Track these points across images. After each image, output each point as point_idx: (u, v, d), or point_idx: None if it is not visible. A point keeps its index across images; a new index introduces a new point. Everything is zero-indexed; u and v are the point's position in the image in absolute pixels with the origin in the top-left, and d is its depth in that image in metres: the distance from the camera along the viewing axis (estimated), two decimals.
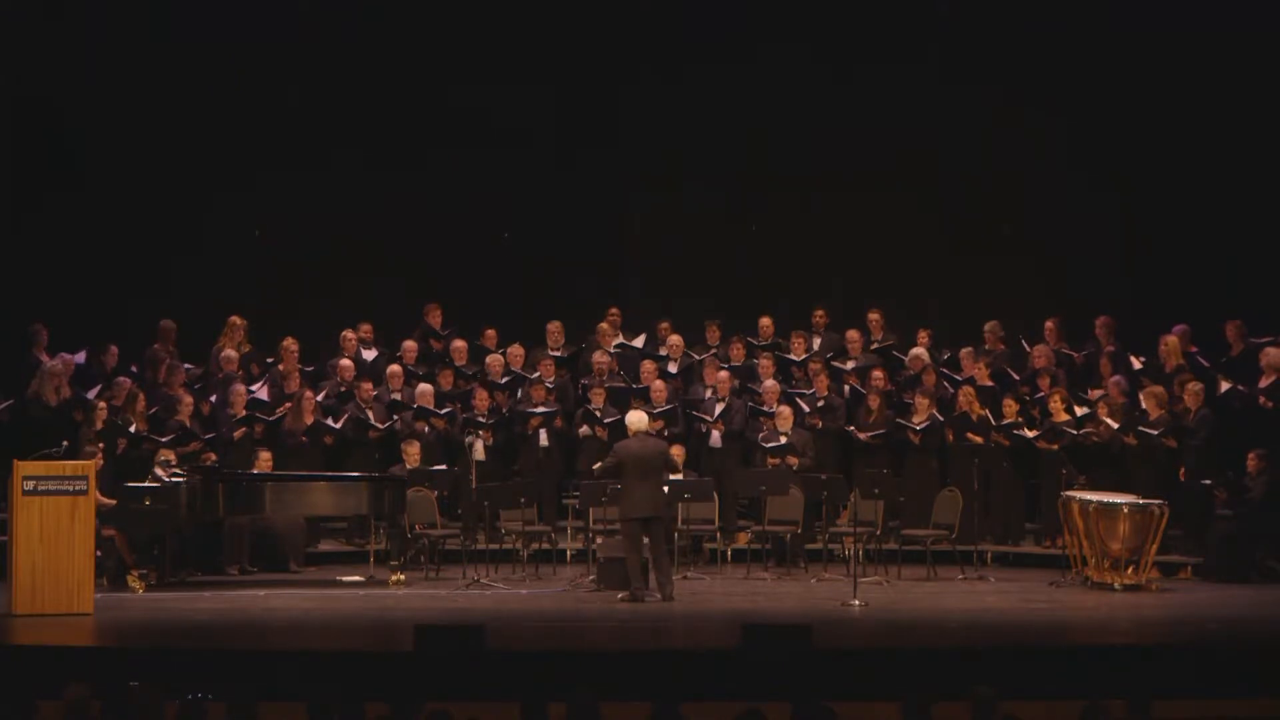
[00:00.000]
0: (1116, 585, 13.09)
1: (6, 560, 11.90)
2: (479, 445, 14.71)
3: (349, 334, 15.68)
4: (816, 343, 15.76)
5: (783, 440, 14.50)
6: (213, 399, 15.01)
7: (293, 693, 8.48)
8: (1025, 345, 15.55)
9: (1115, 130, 16.10)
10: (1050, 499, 14.16)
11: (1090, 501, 13.24)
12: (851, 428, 15.05)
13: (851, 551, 13.48)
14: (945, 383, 15.34)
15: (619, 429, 13.93)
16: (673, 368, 15.64)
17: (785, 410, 14.64)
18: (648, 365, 15.44)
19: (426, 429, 14.89)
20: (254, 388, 15.02)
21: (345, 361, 15.45)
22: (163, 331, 15.41)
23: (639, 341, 16.02)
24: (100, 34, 16.34)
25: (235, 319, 15.41)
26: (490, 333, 15.91)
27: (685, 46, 16.74)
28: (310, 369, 15.55)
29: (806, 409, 14.94)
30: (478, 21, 16.70)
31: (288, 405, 14.88)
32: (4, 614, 11.55)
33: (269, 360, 15.55)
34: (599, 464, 13.32)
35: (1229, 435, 14.08)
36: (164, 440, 14.00)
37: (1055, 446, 14.40)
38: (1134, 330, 15.31)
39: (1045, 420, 14.60)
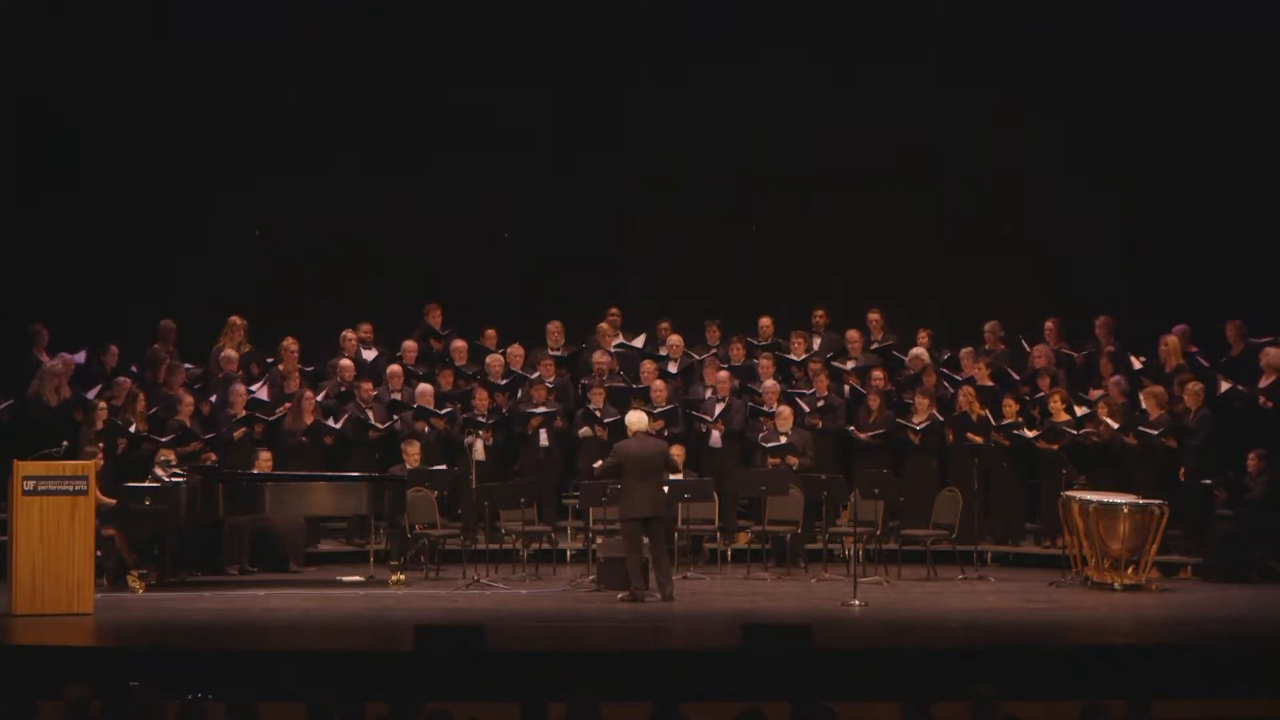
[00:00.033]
0: (1116, 585, 13.09)
1: (6, 560, 11.90)
2: (479, 445, 14.71)
3: (349, 334, 15.68)
4: (816, 343, 15.76)
5: (783, 440, 14.50)
6: (213, 399, 15.01)
7: (293, 693, 8.48)
8: (1025, 345, 15.55)
9: (1115, 130, 16.10)
10: (1050, 499, 14.16)
11: (1090, 501, 13.24)
12: (851, 428, 15.05)
13: (851, 551, 13.48)
14: (945, 383, 15.34)
15: (619, 429, 13.93)
16: (673, 368, 15.64)
17: (785, 410, 14.64)
18: (648, 365, 15.45)
19: (426, 429, 14.89)
20: (254, 388, 15.02)
21: (345, 361, 15.46)
22: (163, 331, 15.41)
23: (639, 341, 16.02)
24: (100, 34, 16.34)
25: (235, 319, 15.41)
26: (490, 333, 15.91)
27: (685, 46, 16.74)
28: (310, 369, 15.55)
29: (806, 409, 14.94)
30: (478, 21, 16.70)
31: (288, 405, 14.88)
32: (4, 614, 11.55)
33: (269, 360, 15.56)
34: (599, 462, 13.32)
35: (1229, 435, 14.08)
36: (164, 440, 14.00)
37: (1055, 446, 14.40)
38: (1134, 330, 15.31)
39: (1045, 420, 14.60)
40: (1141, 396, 14.39)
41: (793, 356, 15.56)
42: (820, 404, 15.06)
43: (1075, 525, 13.36)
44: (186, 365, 15.18)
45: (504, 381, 15.39)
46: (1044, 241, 16.38)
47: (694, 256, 16.75)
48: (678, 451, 14.02)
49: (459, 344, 15.74)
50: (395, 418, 15.00)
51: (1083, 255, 16.17)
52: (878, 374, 15.07)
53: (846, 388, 15.46)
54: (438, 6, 16.78)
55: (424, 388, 15.08)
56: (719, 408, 15.02)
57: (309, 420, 14.75)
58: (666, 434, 14.37)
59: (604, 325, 15.96)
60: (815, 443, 14.70)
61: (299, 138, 16.43)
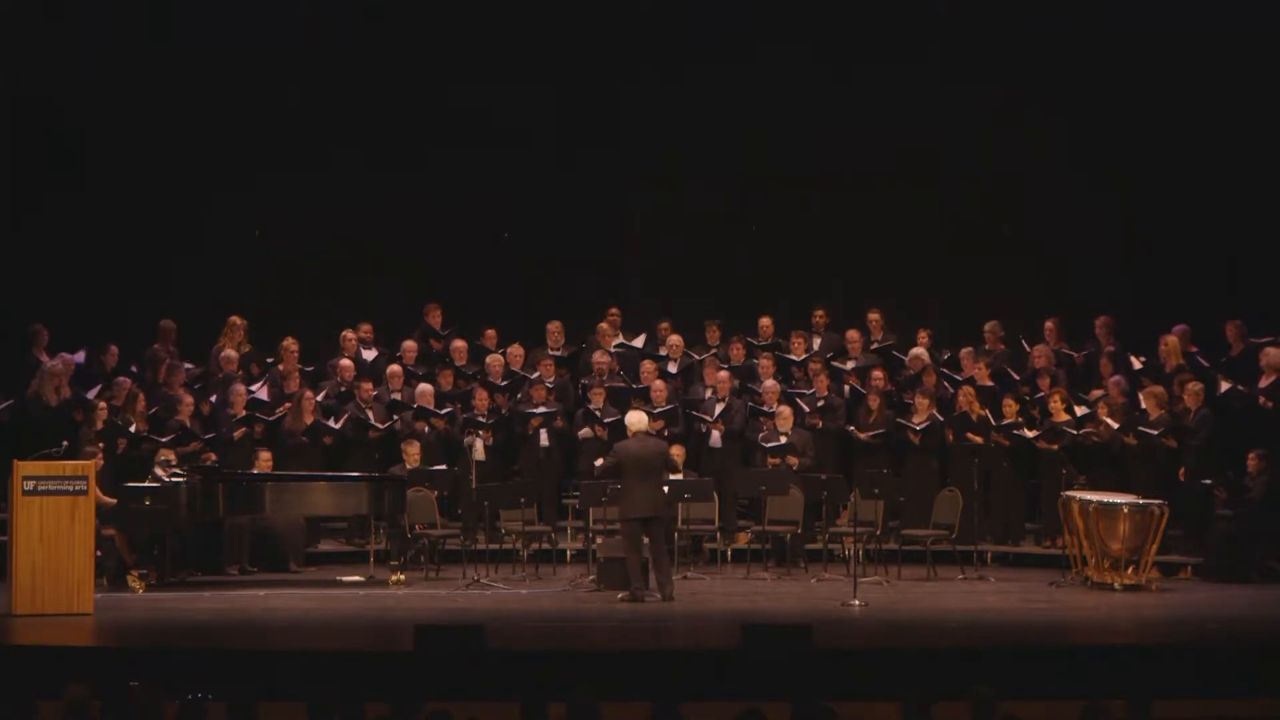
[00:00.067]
0: (1116, 585, 13.09)
1: (6, 560, 11.90)
2: (479, 445, 14.71)
3: (349, 334, 15.68)
4: (816, 343, 15.76)
5: (783, 440, 14.50)
6: (213, 399, 15.01)
7: (293, 693, 8.48)
8: (1025, 345, 15.55)
9: (1115, 130, 16.10)
10: (1050, 499, 14.16)
11: (1090, 501, 13.24)
12: (851, 428, 15.05)
13: (851, 551, 13.48)
14: (945, 383, 15.34)
15: (619, 429, 13.93)
16: (673, 368, 15.64)
17: (785, 410, 14.64)
18: (648, 365, 15.45)
19: (426, 429, 14.89)
20: (254, 388, 15.02)
21: (345, 361, 15.46)
22: (163, 331, 15.41)
23: (639, 341, 16.02)
24: (100, 34, 16.34)
25: (235, 319, 15.41)
26: (490, 333, 15.91)
27: (685, 46, 16.74)
28: (310, 369, 15.55)
29: (806, 409, 14.94)
30: (478, 21, 16.70)
31: (288, 405, 14.88)
32: (4, 614, 11.55)
33: (269, 360, 15.56)
34: (600, 460, 13.31)
35: (1229, 435, 14.08)
36: (164, 440, 14.01)
37: (1055, 446, 14.40)
38: (1134, 330, 15.32)
39: (1045, 420, 14.60)
40: (1141, 396, 14.39)
41: (793, 356, 15.56)
42: (820, 404, 15.06)
43: (1075, 525, 13.35)
44: (186, 365, 15.18)
45: (504, 382, 15.38)
46: (1044, 241, 16.38)
47: (694, 256, 16.75)
48: (678, 451, 14.02)
49: (459, 344, 15.74)
50: (395, 418, 15.00)
51: (1083, 255, 16.17)
52: (878, 374, 15.07)
53: (846, 388, 15.46)
54: (438, 6, 16.78)
55: (424, 388, 15.08)
56: (719, 408, 15.02)
57: (309, 420, 14.75)
58: (666, 434, 14.37)
59: (604, 325, 15.96)
60: (815, 443, 14.70)
61: (299, 138, 16.43)
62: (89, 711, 7.42)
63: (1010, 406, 14.68)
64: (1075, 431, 14.33)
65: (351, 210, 16.54)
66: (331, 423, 14.85)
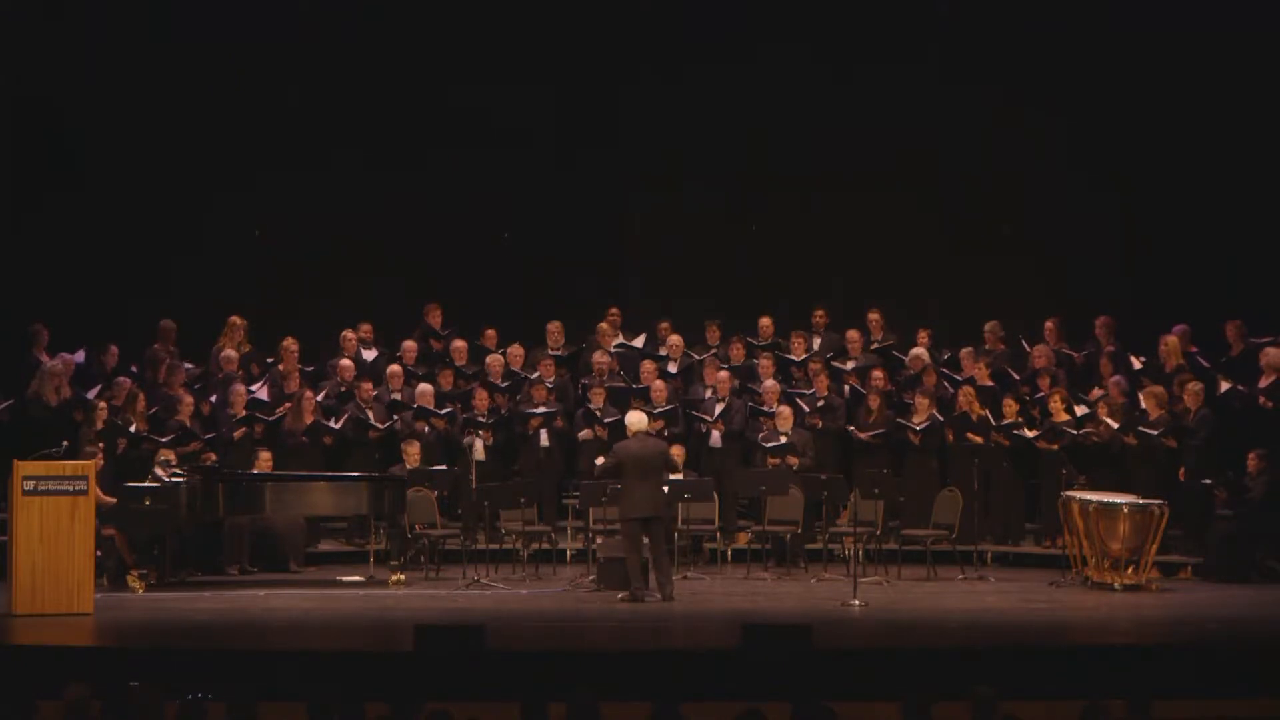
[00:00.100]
0: (1116, 585, 13.09)
1: (6, 560, 11.90)
2: (479, 445, 14.71)
3: (349, 334, 15.68)
4: (816, 343, 15.76)
5: (783, 440, 14.50)
6: (213, 399, 15.01)
7: (293, 693, 8.48)
8: (1025, 345, 15.55)
9: (1115, 130, 16.10)
10: (1050, 499, 14.16)
11: (1090, 501, 13.24)
12: (851, 428, 15.05)
13: (851, 551, 13.48)
14: (945, 383, 15.34)
15: (619, 429, 13.93)
16: (673, 368, 15.64)
17: (785, 410, 14.64)
18: (648, 365, 15.45)
19: (426, 429, 14.88)
20: (254, 388, 15.02)
21: (345, 361, 15.45)
22: (163, 331, 15.41)
23: (639, 341, 16.02)
24: (100, 34, 16.34)
25: (235, 319, 15.41)
26: (490, 333, 15.91)
27: (685, 46, 16.74)
28: (310, 369, 15.55)
29: (806, 409, 14.94)
30: (478, 21, 16.70)
31: (288, 405, 14.88)
32: (4, 614, 11.55)
33: (269, 360, 15.55)
34: (601, 459, 13.31)
35: (1229, 435, 14.08)
36: (164, 440, 14.01)
37: (1055, 446, 14.40)
38: (1134, 330, 15.32)
39: (1045, 420, 14.60)
40: (1141, 396, 14.39)
41: (793, 356, 15.56)
42: (820, 404, 15.06)
43: (1075, 525, 13.35)
44: (186, 365, 15.18)
45: (504, 385, 15.37)
46: (1044, 241, 16.38)
47: (694, 256, 16.75)
48: (678, 451, 14.02)
49: (459, 344, 15.74)
50: (395, 418, 15.00)
51: (1083, 255, 16.17)
52: (878, 374, 15.06)
53: (846, 388, 15.46)
54: (438, 6, 16.78)
55: (424, 388, 15.08)
56: (719, 408, 15.02)
57: (309, 420, 14.75)
58: (666, 434, 14.37)
59: (604, 325, 15.96)
60: (815, 443, 14.70)
61: (299, 138, 16.43)
62: (89, 711, 7.41)
63: (1010, 406, 14.68)
64: (1075, 431, 14.33)
65: (351, 210, 16.54)
66: (332, 423, 14.85)
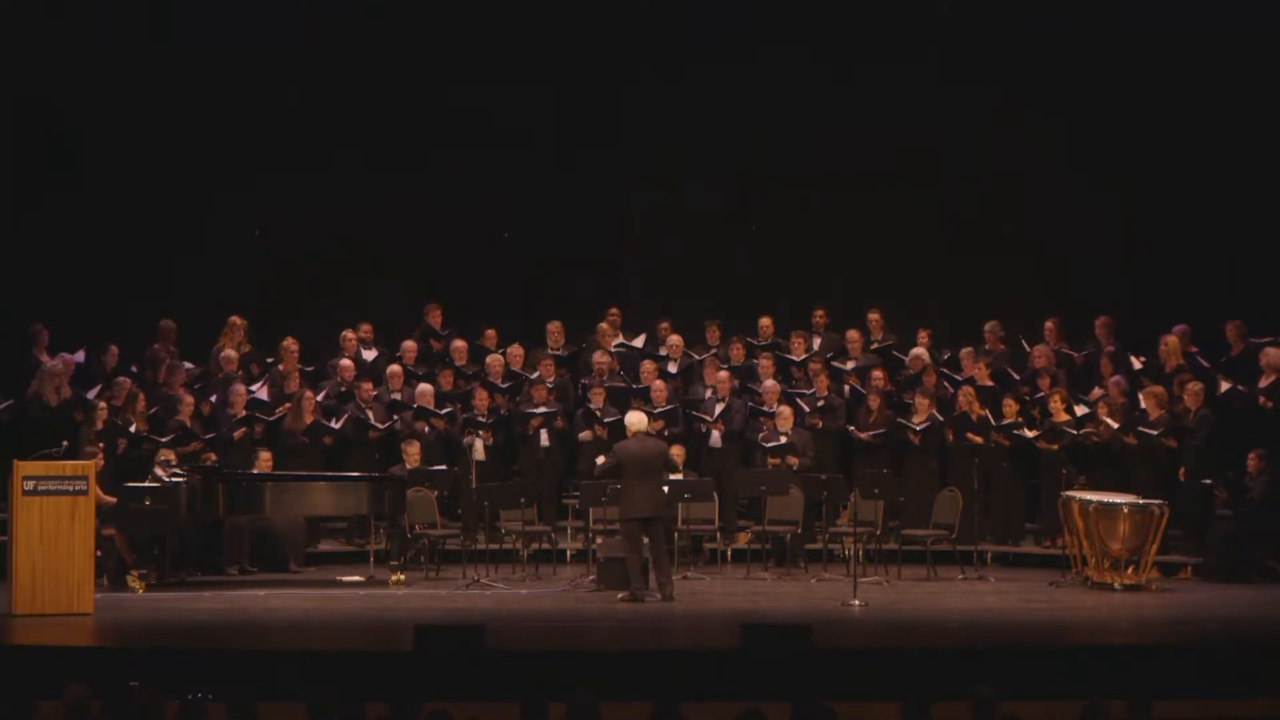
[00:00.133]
0: (1116, 585, 13.09)
1: (6, 560, 11.90)
2: (479, 445, 14.71)
3: (349, 334, 15.68)
4: (816, 343, 15.76)
5: (783, 440, 14.50)
6: (213, 399, 15.01)
7: (293, 693, 8.48)
8: (1025, 345, 15.55)
9: (1115, 130, 16.10)
10: (1050, 499, 14.15)
11: (1090, 501, 13.24)
12: (851, 428, 15.05)
13: (851, 551, 13.48)
14: (945, 383, 15.34)
15: (619, 429, 13.93)
16: (673, 368, 15.64)
17: (785, 410, 14.64)
18: (648, 365, 15.45)
19: (426, 429, 14.88)
20: (254, 388, 15.02)
21: (345, 361, 15.46)
22: (163, 331, 15.41)
23: (639, 341, 16.02)
24: (100, 34, 16.34)
25: (235, 319, 15.41)
26: (490, 333, 15.91)
27: (685, 46, 16.74)
28: (310, 369, 15.55)
29: (806, 409, 14.94)
30: (478, 21, 16.70)
31: (288, 405, 14.88)
32: (4, 614, 11.55)
33: (269, 360, 15.55)
34: (602, 458, 13.31)
35: (1229, 435, 14.08)
36: (164, 440, 14.00)
37: (1055, 446, 14.40)
38: (1134, 330, 15.32)
39: (1045, 420, 14.60)
40: (1141, 396, 14.39)
41: (793, 356, 15.56)
42: (820, 404, 15.06)
43: (1075, 525, 13.35)
44: (186, 365, 15.18)
45: (505, 386, 15.36)
46: (1044, 241, 16.38)
47: (694, 256, 16.75)
48: (678, 451, 14.02)
49: (459, 344, 15.74)
50: (395, 418, 15.00)
51: (1083, 255, 16.17)
52: (878, 374, 15.06)
53: (846, 388, 15.46)
54: (438, 6, 16.78)
55: (424, 388, 15.08)
56: (719, 408, 15.02)
57: (309, 420, 14.75)
58: (666, 434, 14.37)
59: (604, 325, 15.96)
60: (815, 443, 14.70)
61: (299, 138, 16.43)
62: (89, 711, 7.41)
63: (1010, 406, 14.68)
64: (1075, 431, 14.33)
65: (351, 210, 16.54)
66: (332, 423, 14.85)
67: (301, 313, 16.03)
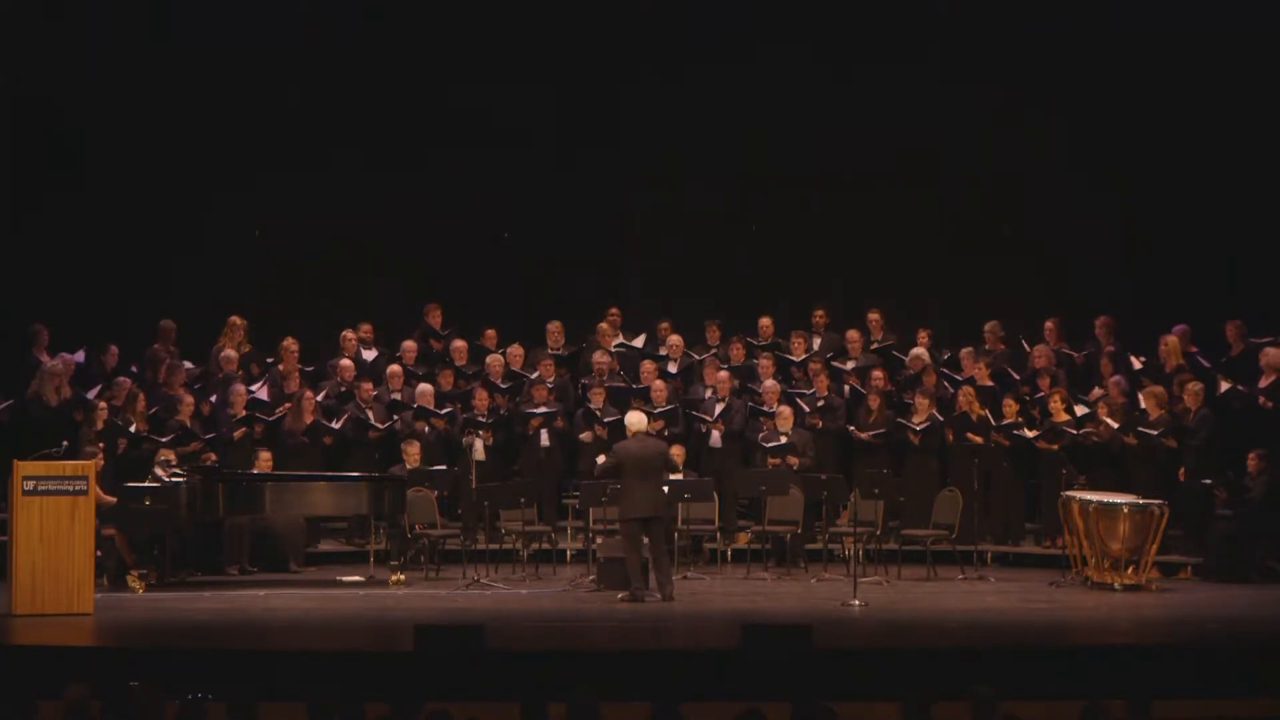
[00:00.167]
0: (1116, 585, 13.09)
1: (6, 560, 11.90)
2: (479, 445, 14.70)
3: (349, 334, 15.68)
4: (816, 343, 15.76)
5: (783, 440, 14.50)
6: (213, 399, 15.01)
7: (293, 693, 8.48)
8: (1025, 345, 15.55)
9: (1115, 130, 16.10)
10: (1050, 499, 14.15)
11: (1090, 501, 13.24)
12: (851, 428, 15.05)
13: (851, 551, 13.48)
14: (945, 383, 15.34)
15: (619, 429, 13.93)
16: (673, 368, 15.64)
17: (785, 410, 14.64)
18: (648, 365, 15.45)
19: (426, 429, 14.88)
20: (254, 388, 15.02)
21: (345, 361, 15.46)
22: (163, 331, 15.41)
23: (639, 341, 16.02)
24: (100, 34, 16.34)
25: (235, 319, 15.41)
26: (490, 333, 15.91)
27: (685, 46, 16.74)
28: (310, 369, 15.55)
29: (806, 409, 14.94)
30: (478, 21, 16.70)
31: (288, 405, 14.88)
32: (4, 614, 11.55)
33: (269, 360, 15.55)
34: (602, 457, 13.31)
35: (1229, 435, 14.08)
36: (164, 440, 14.01)
37: (1055, 446, 14.40)
38: (1134, 330, 15.32)
39: (1045, 420, 14.60)
40: (1141, 396, 14.39)
41: (793, 356, 15.56)
42: (820, 404, 15.06)
43: (1075, 525, 13.35)
44: (186, 365, 15.18)
45: (505, 386, 15.36)
46: (1044, 241, 16.38)
47: (694, 256, 16.75)
48: (678, 451, 14.02)
49: (459, 344, 15.74)
50: (395, 418, 15.00)
51: (1083, 255, 16.17)
52: (878, 374, 15.06)
53: (846, 388, 15.46)
54: (438, 6, 16.78)
55: (424, 388, 15.08)
56: (719, 408, 15.02)
57: (309, 420, 14.75)
58: (666, 434, 14.37)
59: (604, 325, 15.96)
60: (815, 443, 14.70)
61: (299, 138, 16.43)
62: (89, 711, 7.41)
63: (1010, 406, 14.68)
64: (1075, 431, 14.33)
65: (351, 210, 16.54)
66: (332, 423, 14.84)
67: (301, 313, 16.03)
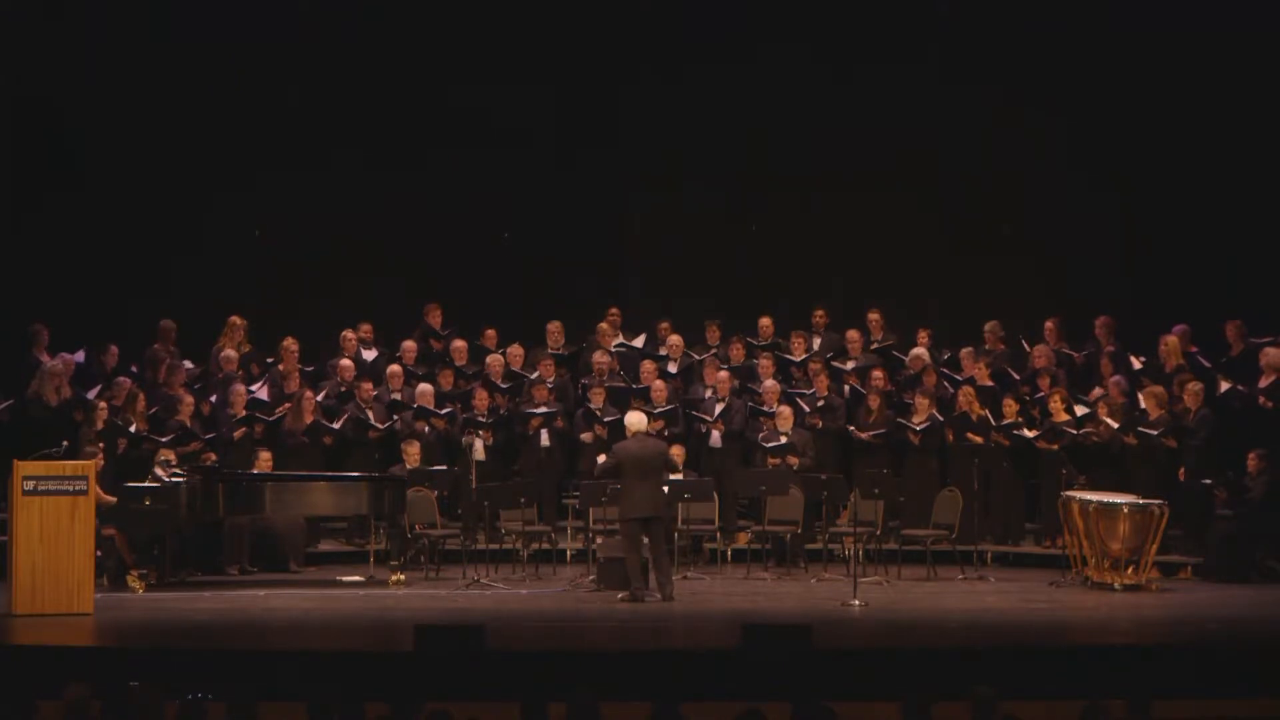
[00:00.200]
0: (1116, 585, 13.09)
1: (6, 560, 11.90)
2: (479, 445, 14.70)
3: (349, 334, 15.68)
4: (816, 343, 15.76)
5: (783, 440, 14.50)
6: (213, 399, 15.01)
7: (293, 693, 8.48)
8: (1025, 345, 15.55)
9: (1115, 130, 16.10)
10: (1050, 499, 14.15)
11: (1090, 501, 13.24)
12: (851, 428, 15.05)
13: (851, 551, 13.48)
14: (945, 383, 15.34)
15: (619, 429, 13.93)
16: (673, 368, 15.64)
17: (785, 410, 14.64)
18: (648, 365, 15.45)
19: (426, 429, 14.89)
20: (254, 388, 15.02)
21: (345, 361, 15.46)
22: (163, 331, 15.41)
23: (639, 341, 16.02)
24: (100, 34, 16.34)
25: (235, 319, 15.41)
26: (490, 333, 15.91)
27: (685, 46, 16.74)
28: (310, 369, 15.56)
29: (806, 409, 14.94)
30: (478, 21, 16.70)
31: (288, 405, 14.88)
32: (4, 614, 11.55)
33: (269, 360, 15.56)
34: (603, 457, 13.31)
35: (1229, 435, 14.08)
36: (164, 440, 14.01)
37: (1055, 446, 14.40)
38: (1134, 330, 15.32)
39: (1045, 420, 14.60)
40: (1141, 396, 14.39)
41: (793, 356, 15.56)
42: (820, 404, 15.06)
43: (1075, 525, 13.35)
44: (186, 365, 15.18)
45: (506, 387, 15.36)
46: (1044, 241, 16.38)
47: (694, 256, 16.76)
48: (678, 451, 14.03)
49: (459, 344, 15.74)
50: (395, 418, 15.00)
51: (1083, 255, 16.18)
52: (878, 374, 15.07)
53: (846, 388, 15.46)
54: (438, 6, 16.78)
55: (424, 388, 15.08)
56: (719, 408, 15.02)
57: (309, 420, 14.75)
58: (666, 434, 14.37)
59: (604, 325, 15.96)
60: (815, 443, 14.70)
61: (299, 138, 16.44)
62: (89, 711, 7.42)
63: (1010, 406, 14.68)
64: (1075, 431, 14.33)
65: (351, 210, 16.54)
66: (332, 423, 14.84)
67: (301, 313, 16.03)
